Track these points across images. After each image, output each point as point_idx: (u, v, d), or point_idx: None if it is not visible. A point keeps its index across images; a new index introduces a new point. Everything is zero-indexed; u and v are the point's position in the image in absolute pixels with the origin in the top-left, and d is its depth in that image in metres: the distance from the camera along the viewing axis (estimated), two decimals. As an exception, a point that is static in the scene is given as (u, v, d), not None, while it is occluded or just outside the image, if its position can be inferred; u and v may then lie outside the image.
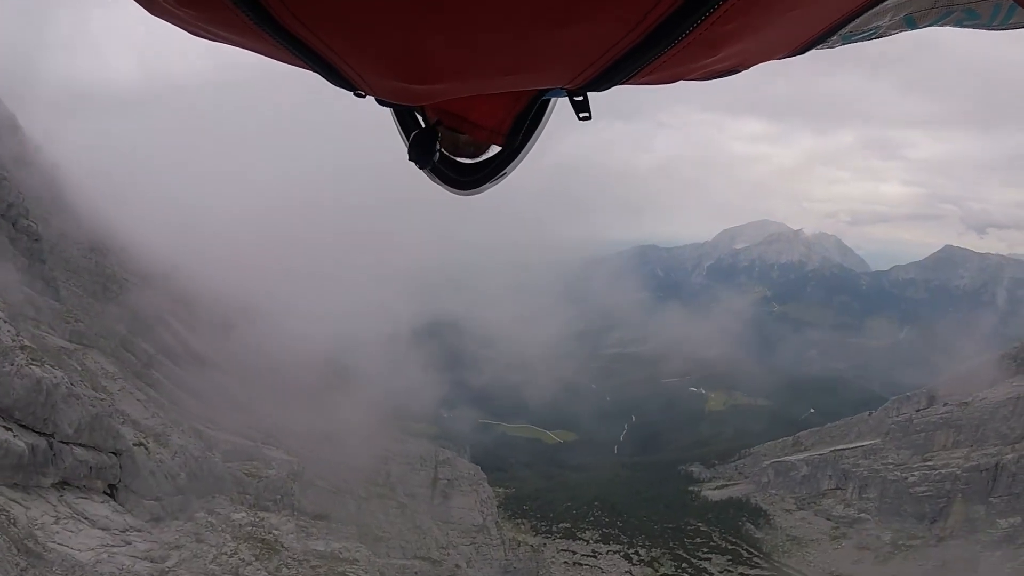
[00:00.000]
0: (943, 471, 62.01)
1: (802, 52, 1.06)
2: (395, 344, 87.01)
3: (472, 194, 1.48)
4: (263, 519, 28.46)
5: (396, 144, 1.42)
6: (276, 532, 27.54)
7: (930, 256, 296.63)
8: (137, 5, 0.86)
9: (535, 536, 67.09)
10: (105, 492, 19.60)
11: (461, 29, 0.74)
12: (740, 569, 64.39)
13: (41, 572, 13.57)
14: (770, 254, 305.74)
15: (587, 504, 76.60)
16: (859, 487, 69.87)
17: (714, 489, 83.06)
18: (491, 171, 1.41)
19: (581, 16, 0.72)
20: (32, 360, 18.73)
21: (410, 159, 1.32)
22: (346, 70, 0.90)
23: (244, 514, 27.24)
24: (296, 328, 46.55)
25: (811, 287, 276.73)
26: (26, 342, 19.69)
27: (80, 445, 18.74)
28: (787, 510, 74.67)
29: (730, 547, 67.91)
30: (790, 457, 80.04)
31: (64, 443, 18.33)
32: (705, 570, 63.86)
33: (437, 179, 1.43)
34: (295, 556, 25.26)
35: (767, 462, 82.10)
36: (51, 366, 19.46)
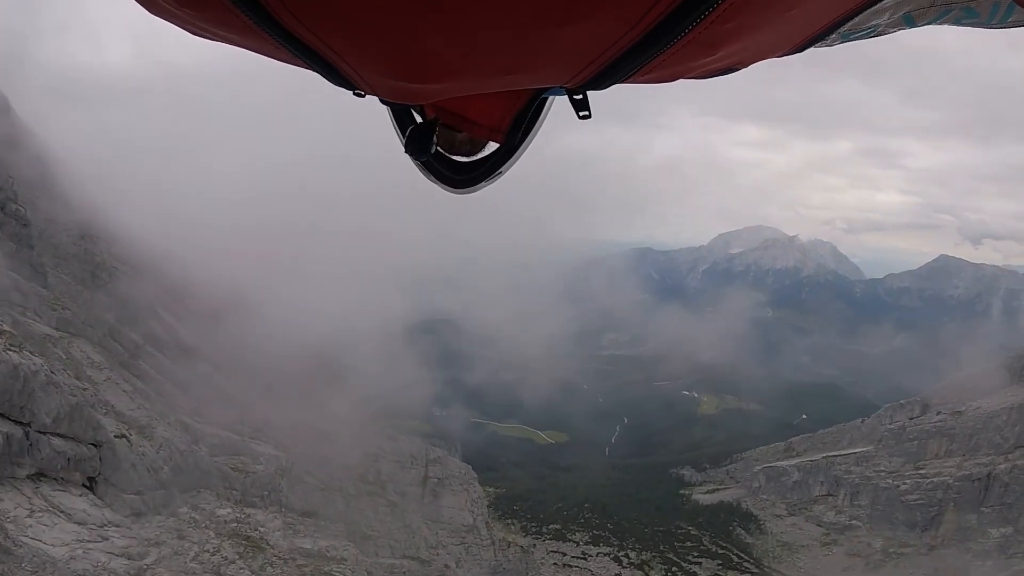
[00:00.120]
0: (935, 480, 61.91)
1: (801, 50, 1.06)
2: (389, 340, 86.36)
3: (468, 192, 1.46)
4: (249, 515, 27.87)
5: (395, 138, 1.43)
6: (262, 529, 26.95)
7: (925, 265, 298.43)
8: (135, 3, 0.87)
9: (525, 537, 66.58)
10: (84, 485, 18.91)
11: (461, 28, 0.74)
12: (730, 574, 64.09)
13: (9, 568, 12.92)
14: (766, 259, 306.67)
15: (578, 505, 76.24)
16: (851, 494, 69.74)
17: (705, 493, 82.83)
18: (487, 170, 1.41)
19: (581, 14, 0.72)
20: (10, 346, 18.07)
21: (407, 152, 1.33)
22: (345, 69, 0.90)
23: (229, 510, 26.64)
24: (288, 321, 45.90)
25: (806, 293, 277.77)
26: (5, 327, 19.03)
27: (58, 435, 18.03)
28: (778, 515, 74.48)
29: (720, 552, 67.64)
30: (782, 463, 79.86)
31: (41, 433, 17.61)
32: (695, 574, 63.54)
33: (433, 177, 1.43)
34: (281, 554, 24.68)
35: (759, 467, 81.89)
36: (30, 352, 18.78)
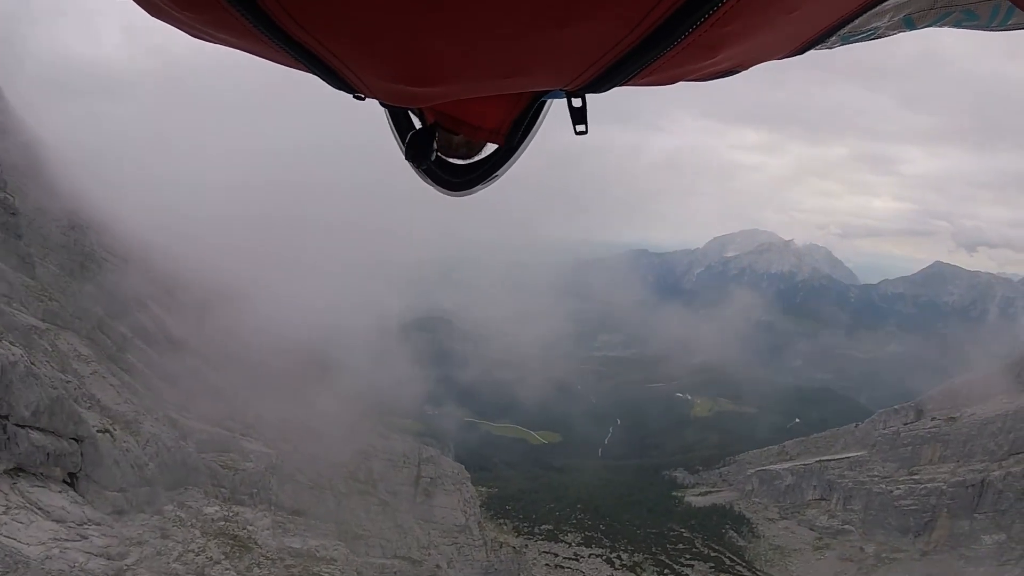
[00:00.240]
0: (929, 485, 61.86)
1: (801, 52, 1.06)
2: (382, 337, 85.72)
3: (464, 195, 1.48)
4: (237, 513, 27.30)
5: (390, 135, 1.45)
6: (250, 528, 26.39)
7: (920, 271, 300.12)
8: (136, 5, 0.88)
9: (517, 537, 66.13)
10: (65, 481, 18.24)
11: (461, 30, 0.74)
12: (722, 577, 63.91)
13: (-20, 568, 12.34)
14: (761, 263, 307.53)
15: (570, 506, 75.94)
16: (844, 498, 69.67)
17: (698, 495, 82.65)
18: (484, 173, 1.42)
19: (581, 16, 0.72)
20: (-9, 337, 17.47)
21: (407, 158, 1.35)
22: (345, 72, 0.90)
23: (217, 508, 26.07)
24: (280, 316, 45.24)
25: (800, 298, 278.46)
26: (-13, 318, 18.40)
27: (38, 429, 17.35)
28: (770, 519, 74.37)
29: (713, 554, 67.42)
30: (775, 466, 79.75)
31: (20, 426, 16.92)
32: (687, 577, 63.31)
33: (429, 179, 1.43)
34: (268, 554, 24.12)
35: (752, 470, 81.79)
36: (10, 343, 18.14)
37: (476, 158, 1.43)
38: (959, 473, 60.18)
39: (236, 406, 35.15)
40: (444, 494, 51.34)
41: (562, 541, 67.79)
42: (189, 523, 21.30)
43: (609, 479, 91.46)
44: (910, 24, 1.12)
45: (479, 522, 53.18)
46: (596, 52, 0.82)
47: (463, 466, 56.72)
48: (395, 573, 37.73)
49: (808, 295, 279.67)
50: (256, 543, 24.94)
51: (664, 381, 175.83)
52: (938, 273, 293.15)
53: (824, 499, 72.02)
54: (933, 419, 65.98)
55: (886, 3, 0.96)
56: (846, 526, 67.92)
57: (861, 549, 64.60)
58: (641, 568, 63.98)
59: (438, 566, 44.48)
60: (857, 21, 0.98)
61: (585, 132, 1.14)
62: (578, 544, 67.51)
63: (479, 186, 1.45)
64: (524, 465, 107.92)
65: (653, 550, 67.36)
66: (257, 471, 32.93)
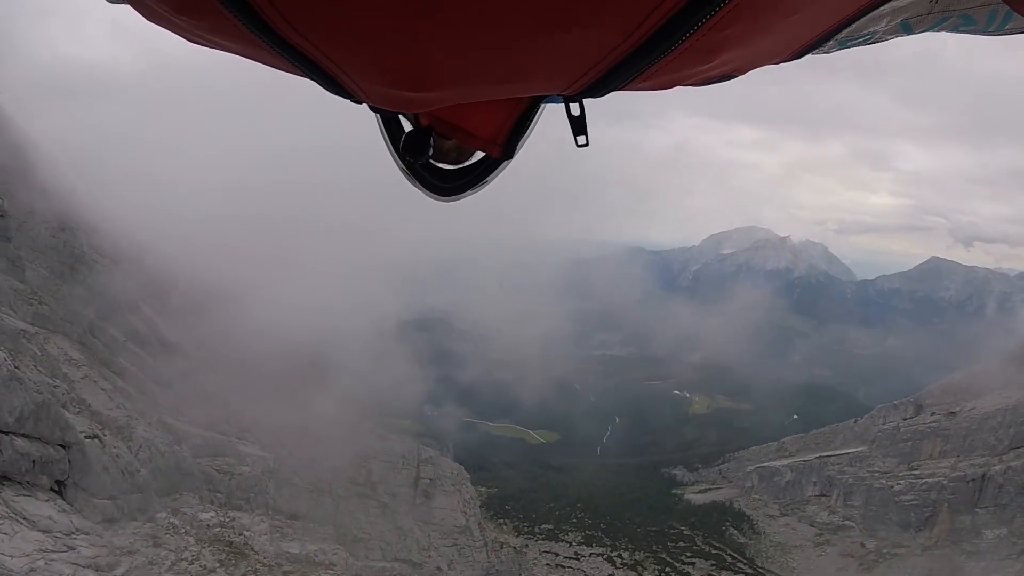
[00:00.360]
0: (929, 480, 61.74)
1: (798, 57, 1.07)
2: (380, 337, 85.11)
3: (452, 200, 1.49)
4: (234, 519, 26.80)
5: (383, 140, 1.46)
6: (247, 533, 25.90)
7: (916, 267, 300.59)
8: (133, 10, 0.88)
9: (517, 537, 65.77)
10: (52, 489, 17.70)
11: (459, 35, 0.74)
12: (724, 574, 63.61)
13: (-39, 583, 11.82)
14: (757, 260, 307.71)
15: (570, 505, 75.64)
16: (844, 494, 69.52)
17: (697, 493, 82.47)
18: (473, 178, 1.44)
19: (580, 21, 0.72)
20: (-25, 341, 16.92)
21: (401, 157, 1.36)
22: (342, 78, 0.90)
23: (213, 514, 25.57)
24: (276, 317, 44.67)
25: (797, 294, 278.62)
26: (-30, 321, 17.85)
27: (22, 435, 16.76)
28: (771, 516, 74.21)
29: (714, 552, 67.20)
30: (774, 463, 79.62)
31: (3, 433, 16.30)
32: (689, 574, 63.00)
33: (419, 183, 1.44)
34: (266, 560, 23.63)
35: (751, 467, 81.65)
36: (-5, 348, 17.62)
37: (466, 163, 1.42)
38: (960, 468, 60.07)
39: (231, 409, 34.61)
40: (444, 495, 50.91)
41: (563, 540, 67.46)
42: (183, 530, 20.79)
43: (608, 478, 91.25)
44: (908, 29, 1.12)
45: (479, 523, 52.79)
46: (594, 57, 0.82)
47: (462, 467, 56.33)
48: (395, 576, 37.32)
49: (805, 292, 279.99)
50: (253, 549, 24.45)
51: (662, 379, 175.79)
52: (935, 268, 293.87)
53: (824, 495, 71.87)
54: (933, 414, 65.88)
55: (883, 8, 0.97)
56: (847, 522, 67.77)
57: (862, 545, 64.45)
58: (642, 566, 63.69)
59: (439, 568, 44.08)
60: (854, 25, 0.99)
61: (587, 144, 1.14)
62: (579, 543, 67.20)
63: (469, 191, 1.45)
64: (523, 465, 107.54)
65: (654, 548, 67.10)
66: (254, 475, 32.42)
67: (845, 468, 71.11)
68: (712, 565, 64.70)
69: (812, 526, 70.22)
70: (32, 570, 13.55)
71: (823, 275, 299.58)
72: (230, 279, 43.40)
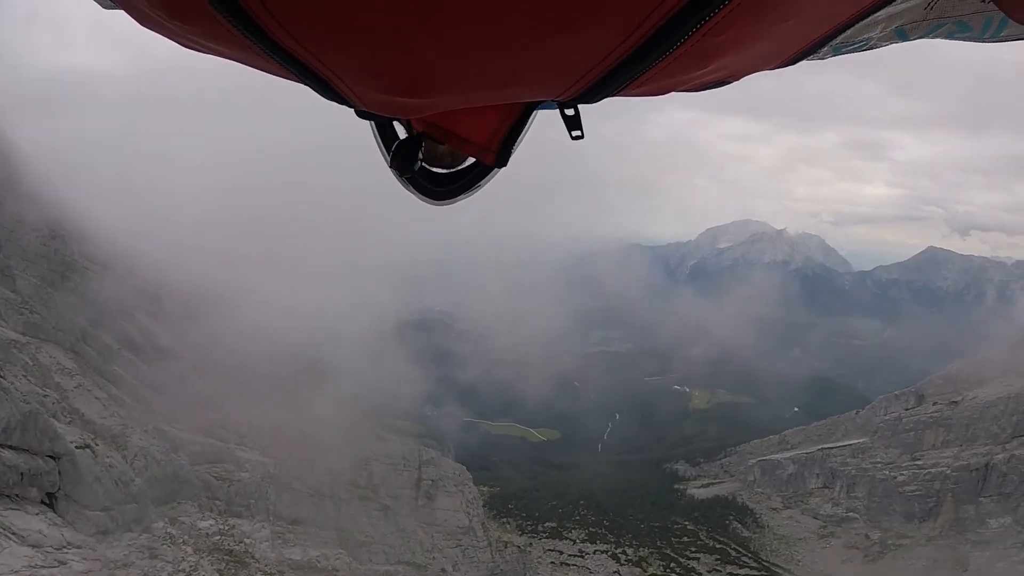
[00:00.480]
0: (933, 470, 61.56)
1: (793, 63, 1.08)
2: (379, 338, 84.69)
3: (446, 205, 1.50)
4: (233, 526, 26.37)
5: (376, 145, 1.48)
6: (247, 541, 25.46)
7: (913, 257, 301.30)
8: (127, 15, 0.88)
9: (521, 536, 65.47)
10: (43, 502, 17.22)
11: (455, 41, 0.74)
12: (729, 569, 63.39)
13: (-54, 604, 11.35)
14: (753, 253, 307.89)
15: (573, 503, 75.27)
16: (847, 486, 69.33)
17: (700, 487, 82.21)
18: (467, 183, 1.44)
19: (576, 27, 0.73)
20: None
21: (391, 167, 1.38)
22: (336, 83, 0.90)
23: (212, 522, 25.13)
24: (272, 320, 44.18)
25: (794, 287, 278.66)
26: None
27: (9, 447, 16.27)
28: (774, 509, 74.00)
29: (718, 546, 66.97)
30: (776, 456, 79.38)
31: (-8, 446, 15.94)
32: (694, 570, 62.74)
33: (412, 188, 1.45)
34: (267, 568, 23.20)
35: (753, 460, 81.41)
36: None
37: (459, 168, 1.42)
38: (963, 457, 59.90)
39: (229, 415, 34.16)
40: (446, 496, 50.56)
41: (566, 538, 67.13)
42: (180, 540, 20.34)
43: (610, 474, 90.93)
44: (903, 35, 1.12)
45: (482, 523, 52.47)
46: (589, 62, 0.83)
47: (464, 467, 55.98)
48: (398, 580, 36.94)
49: (802, 284, 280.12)
50: (253, 557, 24.02)
51: (661, 374, 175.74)
52: (932, 258, 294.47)
53: (827, 487, 71.66)
54: (935, 404, 65.72)
55: (878, 14, 0.97)
56: (850, 514, 67.58)
57: (867, 536, 64.27)
58: (647, 562, 63.42)
59: (443, 569, 43.73)
60: (849, 32, 0.99)
61: (581, 137, 1.15)
62: (582, 540, 66.89)
63: (462, 196, 1.45)
64: (525, 463, 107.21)
65: (658, 544, 66.85)
66: (253, 481, 31.99)
67: (848, 460, 70.90)
68: (717, 560, 64.46)
69: (816, 518, 70.03)
70: (22, 588, 13.13)
71: (820, 267, 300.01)
72: (224, 282, 42.92)
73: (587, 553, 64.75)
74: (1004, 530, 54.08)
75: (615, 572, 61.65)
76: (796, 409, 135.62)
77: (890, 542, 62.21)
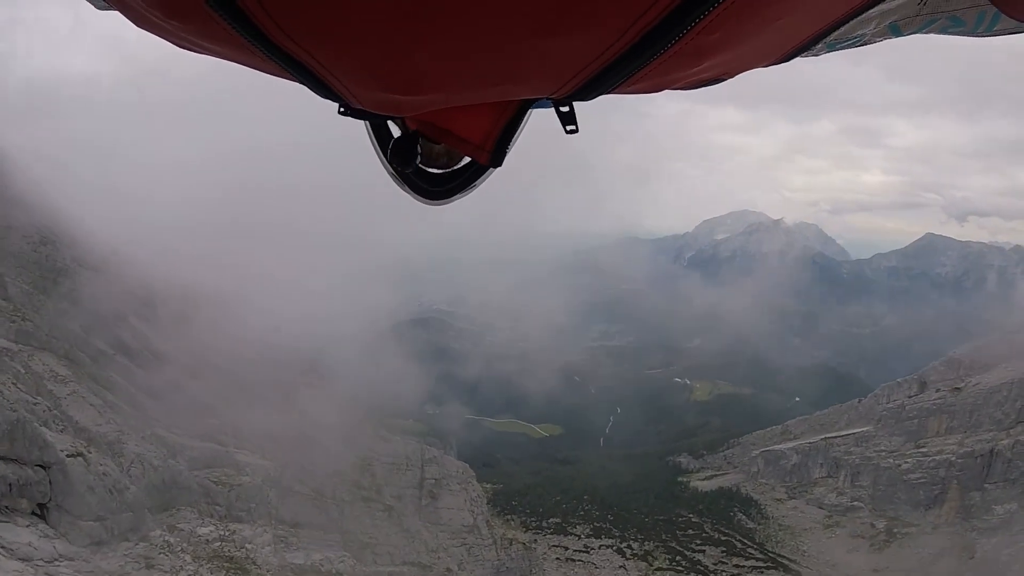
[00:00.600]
0: (937, 458, 61.33)
1: (787, 60, 1.09)
2: (378, 337, 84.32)
3: (441, 204, 1.50)
4: (234, 532, 25.95)
5: (371, 144, 1.48)
6: (249, 546, 25.05)
7: (911, 244, 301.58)
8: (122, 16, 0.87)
9: (526, 532, 65.19)
10: (33, 513, 16.75)
11: (450, 40, 0.74)
12: (735, 560, 63.16)
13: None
14: (751, 244, 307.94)
15: (577, 498, 75.00)
16: (851, 475, 69.10)
17: (703, 480, 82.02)
18: (462, 183, 1.45)
19: (571, 25, 0.73)
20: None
21: (390, 164, 1.38)
22: (332, 82, 0.90)
23: (212, 528, 24.71)
24: (269, 322, 43.68)
25: (793, 276, 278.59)
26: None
27: (-2, 458, 15.84)
28: (778, 499, 73.81)
29: (723, 538, 66.73)
30: (779, 446, 79.17)
31: (-22, 457, 15.39)
32: (699, 562, 62.52)
33: (407, 188, 1.45)
34: (269, 573, 22.79)
35: (756, 451, 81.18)
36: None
37: (454, 167, 1.42)
38: (967, 444, 59.65)
39: (228, 419, 33.68)
40: (450, 494, 50.20)
41: (571, 534, 66.85)
42: (179, 548, 19.91)
43: (614, 469, 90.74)
44: (896, 31, 1.12)
45: (487, 520, 52.15)
46: (584, 60, 0.83)
47: (467, 464, 55.61)
48: (404, 581, 36.60)
49: (801, 274, 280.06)
50: (255, 562, 23.61)
51: (662, 367, 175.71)
52: (930, 245, 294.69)
53: (831, 476, 71.43)
54: (938, 391, 65.43)
55: (871, 11, 0.97)
56: (855, 503, 67.38)
57: (872, 525, 64.07)
58: (653, 556, 63.19)
59: (449, 569, 43.41)
60: (843, 28, 0.99)
61: (576, 131, 1.16)
62: (587, 536, 66.61)
63: (457, 196, 1.45)
64: (528, 460, 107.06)
65: (663, 537, 66.60)
66: (254, 485, 31.56)
67: (851, 449, 70.66)
68: (722, 552, 64.23)
69: (821, 508, 69.83)
70: (11, 605, 12.67)
71: (818, 256, 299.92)
72: (219, 285, 42.37)
73: (592, 548, 64.50)
74: (1010, 516, 53.86)
75: (621, 567, 61.40)
76: (798, 399, 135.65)
77: (896, 530, 62.02)
